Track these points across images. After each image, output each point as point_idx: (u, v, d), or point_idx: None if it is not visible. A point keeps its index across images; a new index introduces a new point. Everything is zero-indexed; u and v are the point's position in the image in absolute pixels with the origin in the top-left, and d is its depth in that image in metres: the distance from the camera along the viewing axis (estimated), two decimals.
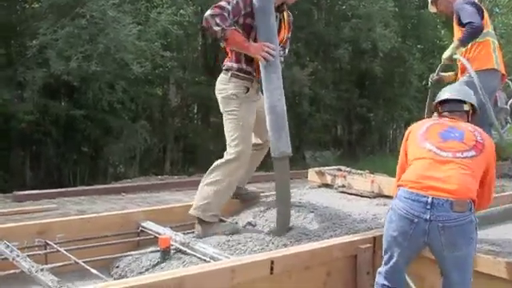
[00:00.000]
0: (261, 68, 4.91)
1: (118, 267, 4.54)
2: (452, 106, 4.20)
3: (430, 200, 3.51)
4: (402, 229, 3.61)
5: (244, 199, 5.68)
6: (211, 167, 5.13)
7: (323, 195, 5.82)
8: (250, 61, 5.04)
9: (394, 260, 3.73)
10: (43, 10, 12.35)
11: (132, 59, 12.09)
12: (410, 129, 4.12)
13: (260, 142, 5.48)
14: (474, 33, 5.80)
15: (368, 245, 4.27)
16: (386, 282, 3.80)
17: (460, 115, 4.14)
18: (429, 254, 3.76)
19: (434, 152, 3.74)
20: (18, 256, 4.02)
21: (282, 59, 5.15)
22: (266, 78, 4.87)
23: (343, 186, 6.23)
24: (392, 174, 5.60)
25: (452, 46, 5.92)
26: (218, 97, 5.20)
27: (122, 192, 10.07)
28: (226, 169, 5.05)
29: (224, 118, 5.16)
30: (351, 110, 19.49)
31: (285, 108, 4.89)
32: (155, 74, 14.36)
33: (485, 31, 5.96)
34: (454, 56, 5.87)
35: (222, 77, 5.19)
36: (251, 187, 5.95)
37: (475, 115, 4.28)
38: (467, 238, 3.57)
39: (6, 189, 11.28)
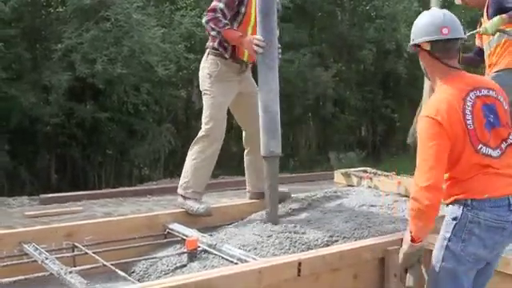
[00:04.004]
0: (258, 68, 5.08)
1: (133, 272, 4.52)
2: (449, 47, 3.44)
3: (511, 201, 3.25)
4: (492, 240, 3.28)
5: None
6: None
7: (350, 196, 5.78)
8: (225, 41, 5.29)
9: (467, 284, 3.39)
10: (68, 13, 12.43)
11: (156, 61, 12.13)
12: (440, 109, 3.26)
13: (253, 127, 5.43)
14: None
15: (396, 246, 4.23)
16: None
17: (455, 55, 3.48)
18: None
19: (490, 158, 3.30)
20: (46, 258, 4.04)
21: (280, 55, 5.30)
22: (262, 78, 5.04)
23: (369, 188, 6.19)
24: None
25: (498, 18, 5.70)
26: (199, 75, 5.51)
27: (148, 194, 10.11)
28: (199, 146, 5.33)
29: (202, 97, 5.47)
30: (375, 111, 19.39)
31: (278, 109, 5.06)
32: (179, 76, 14.40)
33: None
34: (507, 31, 5.72)
35: (203, 57, 5.51)
36: None
37: None
38: None
39: (33, 191, 11.38)
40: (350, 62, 18.54)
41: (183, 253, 4.43)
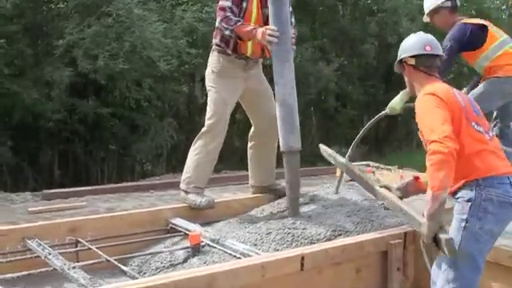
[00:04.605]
0: (273, 60, 5.04)
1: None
2: (431, 62, 3.91)
3: (511, 180, 3.53)
4: (505, 216, 3.52)
5: (276, 194, 5.70)
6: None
7: (352, 191, 5.77)
8: (226, 39, 5.31)
9: (483, 265, 3.56)
10: (69, 9, 12.42)
11: (158, 57, 12.10)
12: (436, 90, 3.67)
13: (257, 125, 5.67)
14: None
15: (399, 240, 4.24)
16: None
17: (436, 70, 3.92)
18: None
19: (484, 135, 3.64)
20: (49, 254, 4.06)
21: (294, 47, 5.23)
22: (277, 71, 4.96)
23: None
24: (421, 169, 5.56)
25: (401, 94, 5.50)
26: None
27: (151, 189, 10.11)
28: (201, 141, 5.40)
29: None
30: (378, 106, 19.32)
31: (296, 102, 4.98)
32: (181, 71, 14.36)
33: (499, 42, 5.91)
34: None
35: (210, 55, 5.56)
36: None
37: None
38: None
39: (36, 187, 11.40)
40: (352, 56, 18.48)
41: (186, 247, 4.44)
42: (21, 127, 12.12)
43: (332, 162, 5.49)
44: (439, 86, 3.74)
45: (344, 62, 17.10)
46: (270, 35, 4.89)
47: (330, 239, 4.41)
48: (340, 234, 4.50)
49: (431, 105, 3.58)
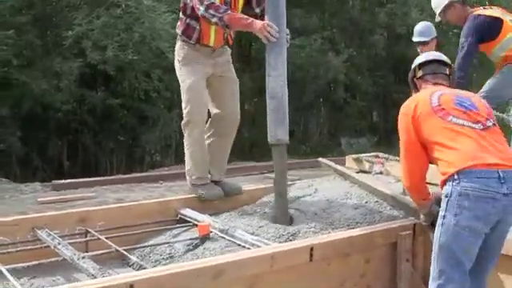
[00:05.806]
0: (266, 52, 4.73)
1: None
2: (434, 68, 4.11)
3: (501, 174, 3.32)
4: (483, 211, 3.33)
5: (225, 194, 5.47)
6: None
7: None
8: (189, 32, 5.23)
9: (467, 262, 3.43)
10: (78, 0, 12.44)
11: (167, 47, 12.10)
12: (410, 105, 3.82)
13: (218, 111, 5.47)
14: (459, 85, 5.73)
15: (408, 231, 4.23)
16: None
17: (443, 78, 4.08)
18: None
19: (468, 126, 3.56)
20: (59, 244, 4.06)
21: (289, 43, 4.87)
22: (271, 64, 4.69)
23: (381, 173, 6.17)
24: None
25: None
26: None
27: (160, 180, 10.12)
28: (185, 133, 5.29)
29: None
30: (387, 97, 19.32)
31: (286, 95, 4.71)
32: None
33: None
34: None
35: (176, 44, 5.47)
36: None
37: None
38: None
39: (44, 178, 11.43)
40: (362, 47, 18.45)
41: (196, 238, 4.44)
42: (30, 118, 12.17)
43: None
44: (414, 97, 3.94)
45: (353, 52, 17.07)
46: (269, 33, 4.60)
47: (339, 231, 4.37)
48: (349, 226, 4.46)
49: (399, 129, 3.89)
